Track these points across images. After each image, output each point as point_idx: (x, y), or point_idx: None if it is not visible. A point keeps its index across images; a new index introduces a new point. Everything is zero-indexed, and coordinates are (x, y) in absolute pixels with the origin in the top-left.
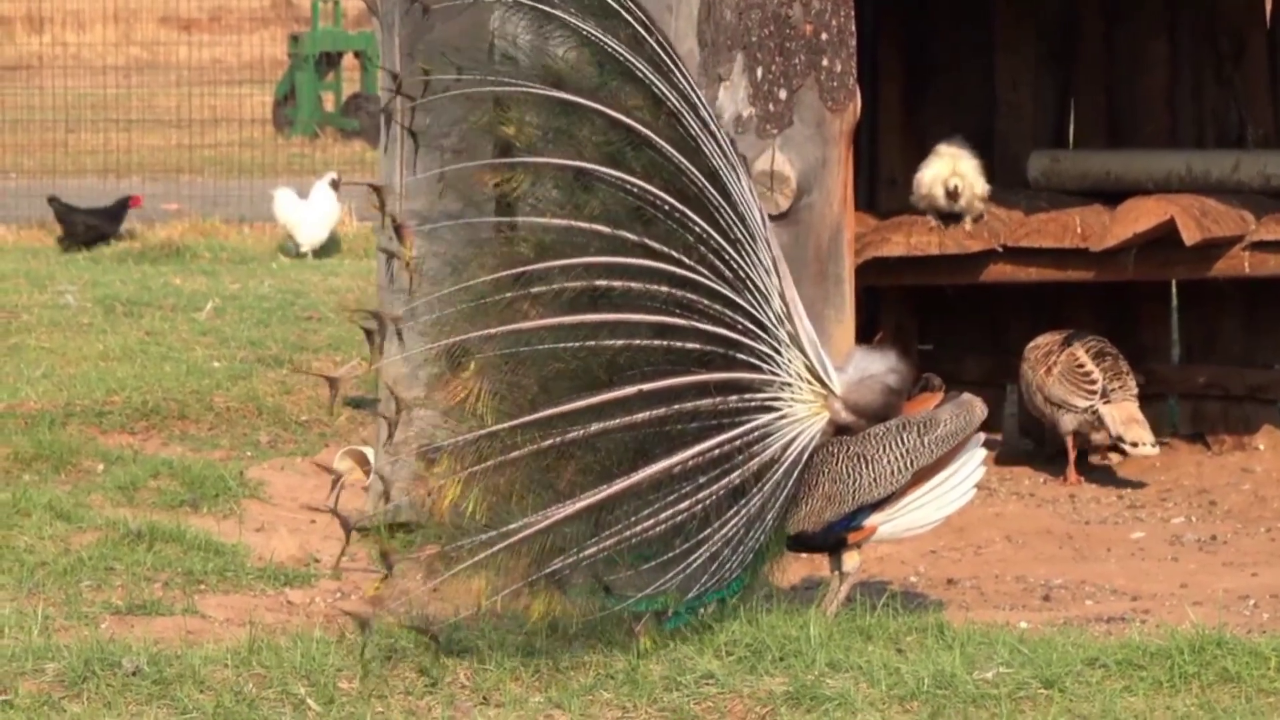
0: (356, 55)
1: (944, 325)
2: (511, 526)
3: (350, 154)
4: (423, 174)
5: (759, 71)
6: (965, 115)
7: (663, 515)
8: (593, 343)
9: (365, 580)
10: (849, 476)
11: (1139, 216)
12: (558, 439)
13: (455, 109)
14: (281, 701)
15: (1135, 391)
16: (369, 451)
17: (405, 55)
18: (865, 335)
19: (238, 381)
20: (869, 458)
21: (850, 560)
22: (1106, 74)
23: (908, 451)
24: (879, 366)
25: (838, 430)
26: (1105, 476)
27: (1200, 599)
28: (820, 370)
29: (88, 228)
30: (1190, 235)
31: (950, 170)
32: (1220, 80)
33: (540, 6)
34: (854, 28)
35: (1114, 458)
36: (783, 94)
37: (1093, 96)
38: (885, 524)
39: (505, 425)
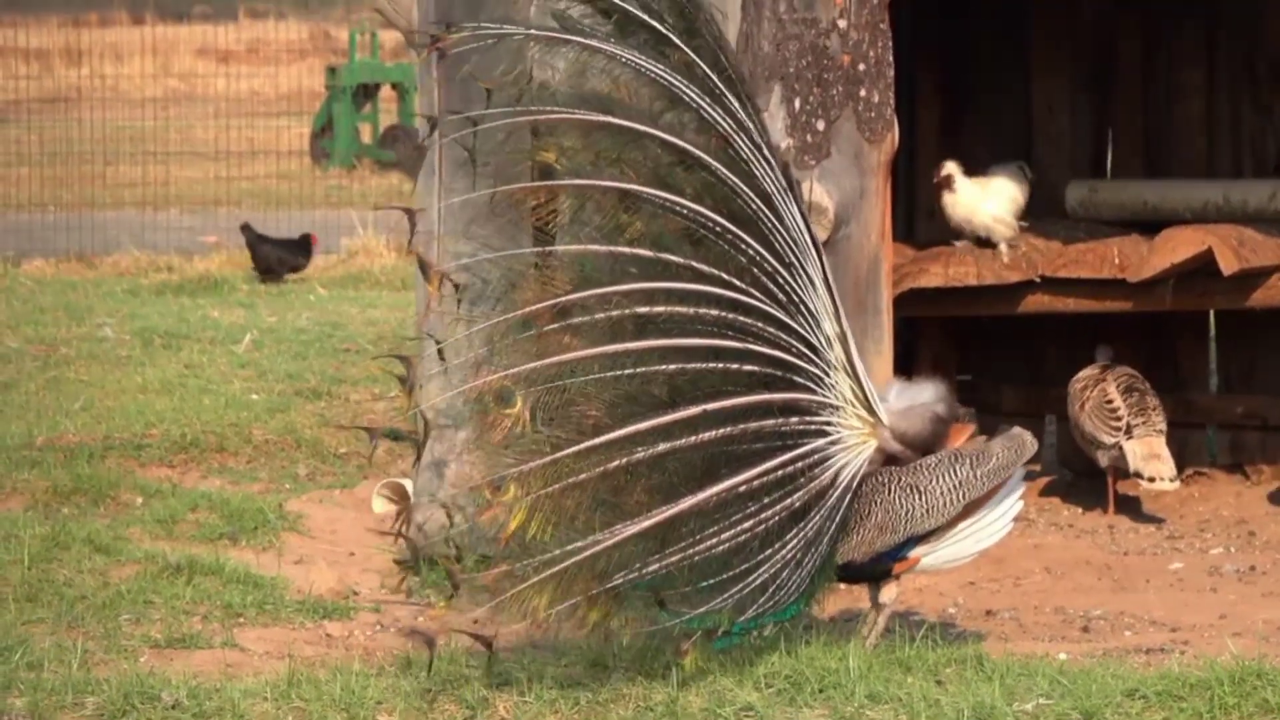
0: (394, 87)
1: (982, 356)
2: (577, 544)
3: (387, 186)
4: (460, 198)
5: (796, 103)
6: (1003, 145)
7: (726, 534)
8: (643, 369)
9: (404, 612)
10: (901, 507)
11: (1177, 246)
12: (625, 460)
13: (495, 137)
14: None
15: (1161, 427)
16: (407, 483)
17: (443, 86)
18: (903, 366)
19: (276, 414)
20: (922, 489)
21: (889, 591)
22: (1144, 102)
23: (961, 484)
24: (927, 396)
25: (886, 460)
26: (1144, 507)
27: (1240, 630)
28: (868, 397)
29: (279, 260)
30: (1228, 265)
31: (971, 198)
32: (1258, 108)
33: (582, 40)
34: (891, 58)
35: (1145, 487)
36: (820, 125)
37: (1130, 125)
38: (928, 555)
39: (570, 451)
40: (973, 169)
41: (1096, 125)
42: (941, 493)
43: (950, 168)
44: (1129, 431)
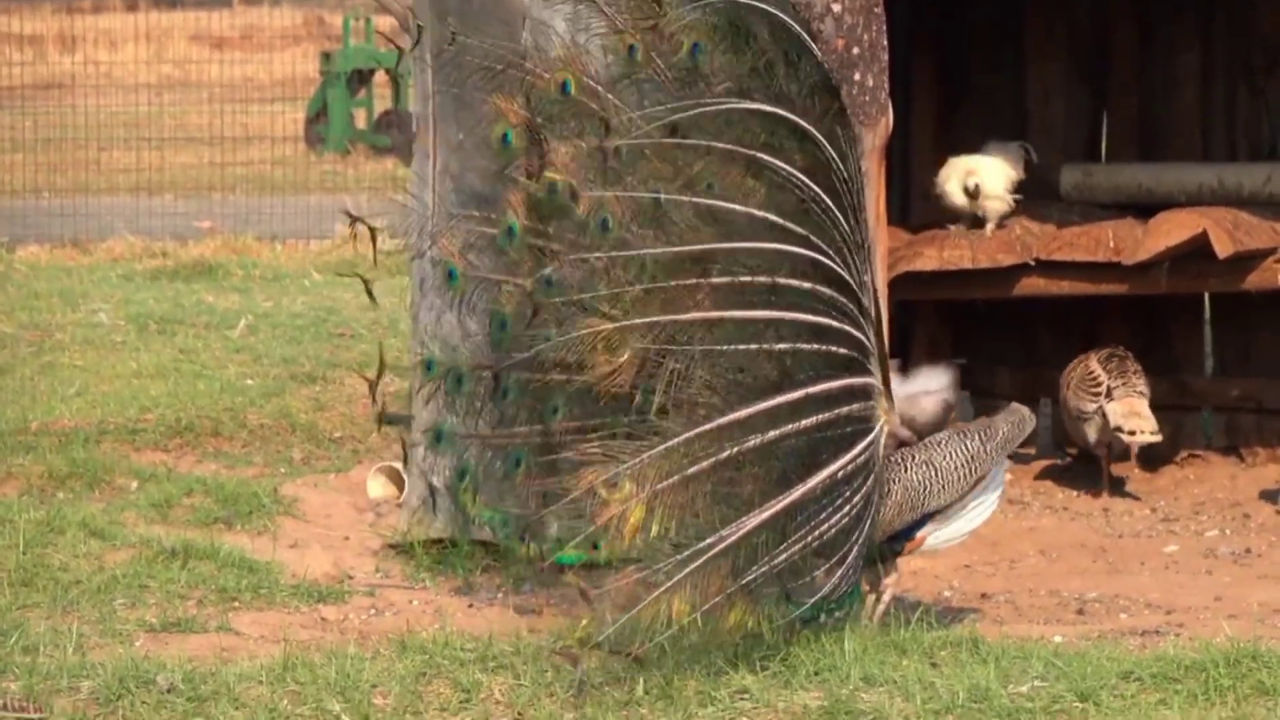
0: (388, 72)
1: (977, 339)
2: (707, 542)
3: (382, 171)
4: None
5: None
6: (998, 128)
7: (834, 518)
8: (760, 345)
9: (399, 595)
10: (920, 484)
11: (1171, 230)
12: (737, 448)
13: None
14: (316, 718)
15: (1141, 389)
16: (401, 467)
17: (435, 69)
18: (898, 349)
19: (271, 399)
20: (937, 465)
21: (892, 572)
22: (1138, 87)
23: (972, 459)
24: (935, 383)
25: (897, 444)
26: (1138, 490)
27: (1235, 612)
28: (888, 382)
29: None
30: (1223, 248)
31: (965, 170)
32: (1253, 92)
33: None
34: (885, 42)
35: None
36: None
37: (1125, 109)
38: (933, 535)
39: (683, 437)
40: (967, 153)
41: (1091, 110)
42: (954, 468)
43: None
44: (1109, 394)
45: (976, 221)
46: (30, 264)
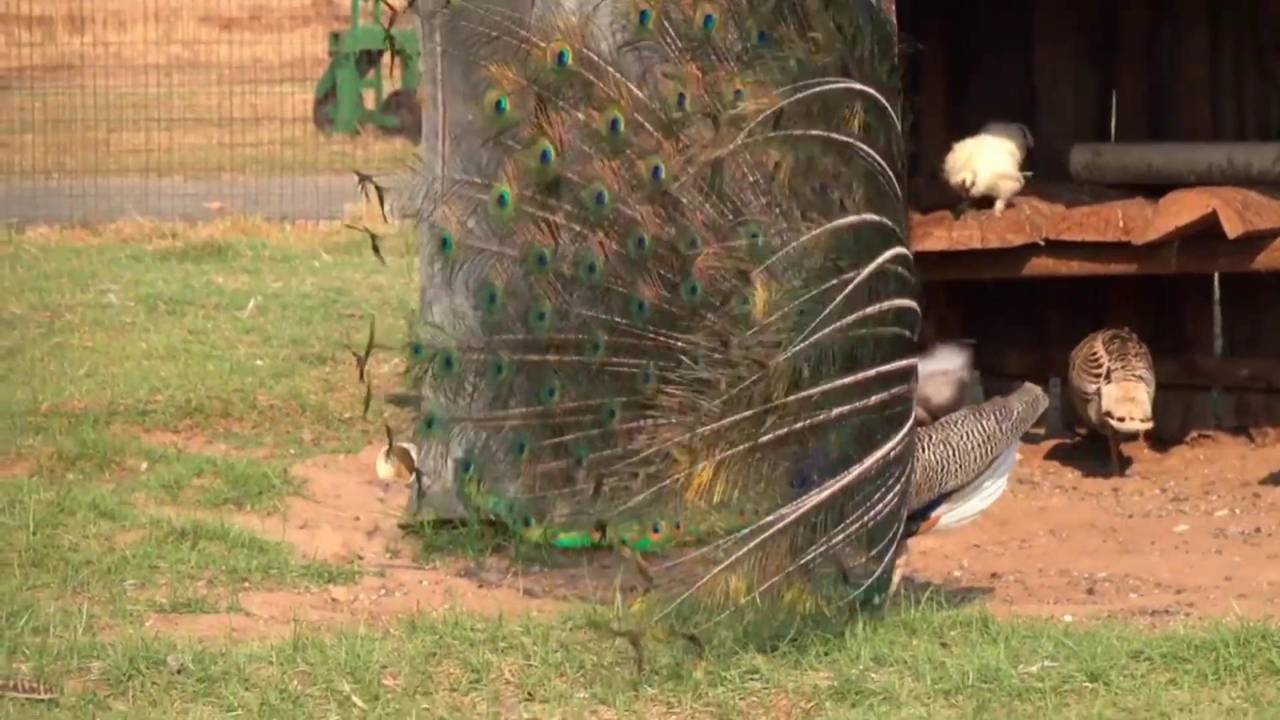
0: (396, 53)
1: (986, 319)
2: (768, 519)
3: (391, 151)
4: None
5: None
6: (1007, 108)
7: (886, 499)
8: (850, 318)
9: (409, 576)
10: (938, 464)
11: (1181, 209)
12: (808, 421)
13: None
14: (326, 698)
15: (1140, 373)
16: (412, 449)
17: (444, 47)
18: None
19: (281, 379)
20: (955, 445)
21: (903, 552)
22: (1148, 66)
23: (988, 438)
24: (951, 364)
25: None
26: (1148, 470)
27: (1245, 592)
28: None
29: None
30: (1233, 228)
31: (968, 155)
32: (1262, 72)
33: None
34: (894, 20)
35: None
36: None
37: (1134, 89)
38: (946, 514)
39: (757, 409)
40: (976, 133)
41: (1100, 90)
42: (971, 448)
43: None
44: (1108, 376)
45: (985, 201)
46: (40, 245)
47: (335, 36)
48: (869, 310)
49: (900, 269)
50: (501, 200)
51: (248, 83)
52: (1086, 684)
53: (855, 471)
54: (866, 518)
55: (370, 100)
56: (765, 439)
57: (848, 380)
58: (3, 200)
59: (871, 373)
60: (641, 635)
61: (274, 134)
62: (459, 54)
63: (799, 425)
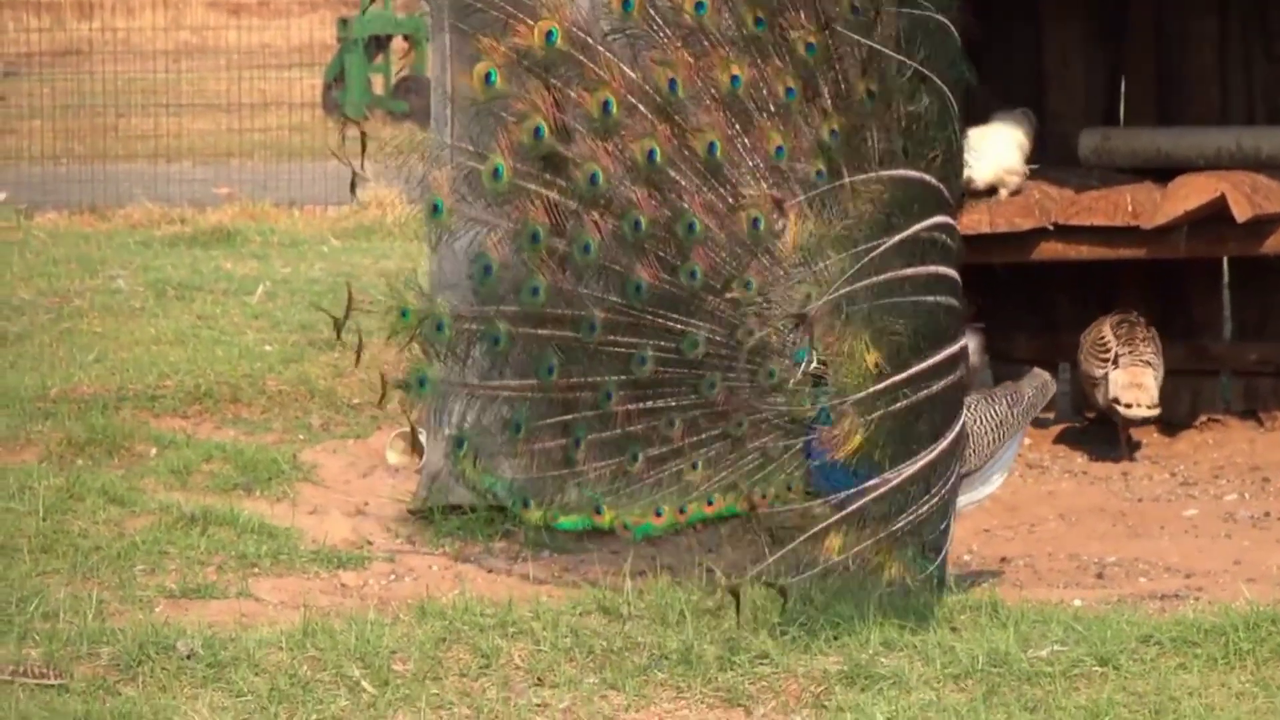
0: (406, 38)
1: (995, 303)
2: (870, 483)
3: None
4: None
5: None
6: (1016, 93)
7: (955, 477)
8: (940, 298)
9: (419, 561)
10: None
11: (1190, 194)
12: (924, 392)
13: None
14: (336, 684)
15: (1148, 359)
16: (421, 432)
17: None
18: None
19: (289, 365)
20: (969, 429)
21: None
22: (1156, 50)
23: (1001, 423)
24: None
25: None
26: (1157, 454)
27: (1254, 576)
28: None
29: None
30: (1241, 212)
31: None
32: (1270, 56)
33: None
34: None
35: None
36: None
37: (1143, 73)
38: (960, 497)
39: (900, 377)
40: (984, 118)
41: (1109, 74)
42: (984, 433)
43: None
44: (1115, 361)
45: (990, 192)
46: (49, 230)
47: (344, 22)
48: (922, 270)
49: (947, 238)
50: (497, 173)
51: (256, 68)
52: (1096, 668)
53: (942, 445)
54: (944, 491)
55: (379, 85)
56: (895, 407)
57: (944, 354)
58: (12, 186)
59: (957, 348)
60: (742, 587)
61: (282, 119)
62: (467, 36)
63: (921, 395)
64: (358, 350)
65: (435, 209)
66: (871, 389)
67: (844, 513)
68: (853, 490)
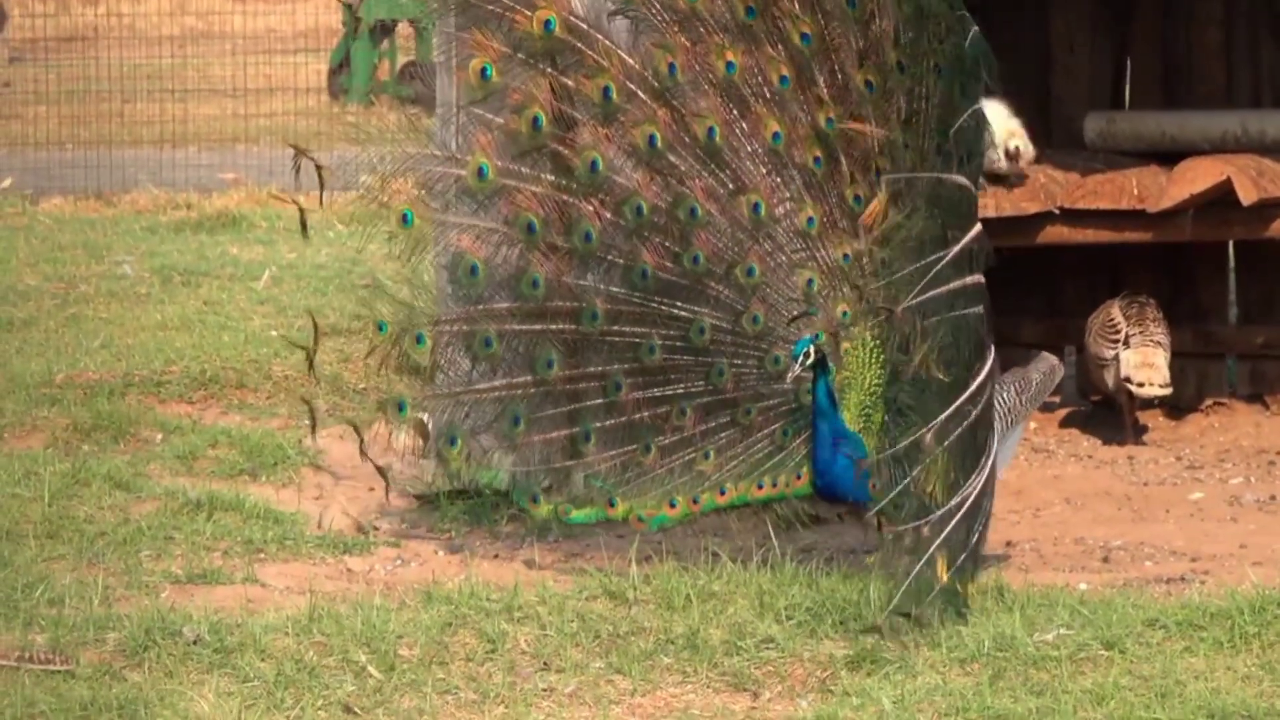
0: (411, 23)
1: (1000, 288)
2: (954, 503)
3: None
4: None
5: None
6: (1021, 76)
7: (992, 480)
8: (979, 308)
9: (425, 546)
10: None
11: (1195, 177)
12: (980, 405)
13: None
14: (342, 669)
15: (1159, 339)
16: (427, 419)
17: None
18: None
19: (295, 350)
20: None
21: None
22: (1162, 34)
23: (1008, 411)
24: None
25: None
26: (1163, 438)
27: (1260, 559)
28: None
29: None
30: (1247, 195)
31: (1007, 132)
32: (1277, 39)
33: None
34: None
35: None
36: None
37: (1148, 56)
38: None
39: (964, 396)
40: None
41: (1115, 57)
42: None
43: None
44: (1126, 342)
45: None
46: (54, 216)
47: (348, 7)
48: (968, 281)
49: (980, 247)
50: (481, 172)
51: (262, 53)
52: (1102, 652)
53: (994, 452)
54: (988, 503)
55: (384, 71)
56: (960, 429)
57: (989, 365)
58: (18, 172)
59: (992, 355)
60: (883, 625)
61: (288, 105)
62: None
63: (974, 413)
64: (309, 359)
65: (405, 219)
66: (944, 414)
67: (945, 533)
68: (941, 513)
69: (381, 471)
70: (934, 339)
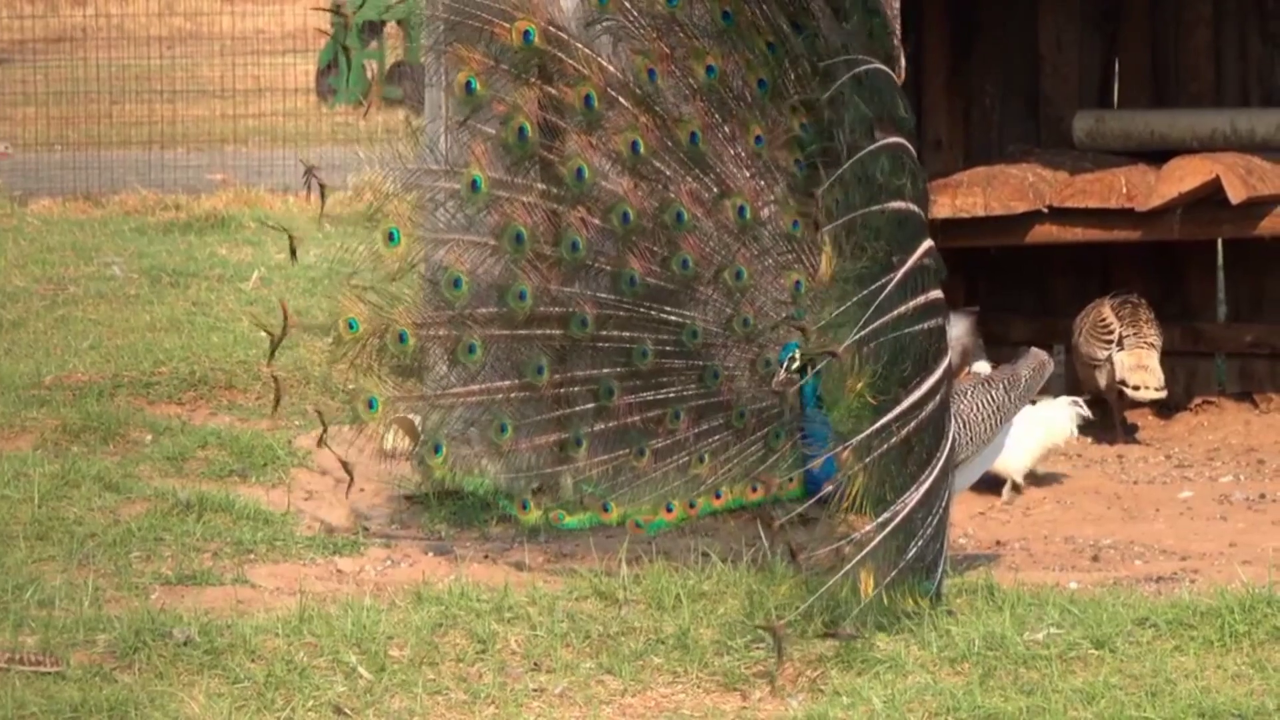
0: (399, 24)
1: (990, 287)
2: (886, 515)
3: (394, 122)
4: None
5: None
6: (1010, 76)
7: (946, 490)
8: (929, 324)
9: (415, 547)
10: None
11: (1184, 176)
12: (914, 422)
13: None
14: (333, 670)
15: (1152, 340)
16: (416, 419)
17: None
18: None
19: (285, 351)
20: (965, 418)
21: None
22: (1151, 32)
23: (998, 409)
24: (956, 330)
25: None
26: (1153, 436)
27: (1249, 557)
28: None
29: None
30: (1236, 194)
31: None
32: (1265, 38)
33: None
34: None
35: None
36: None
37: (1137, 55)
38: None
39: (892, 415)
40: (980, 101)
41: (1104, 57)
42: (981, 420)
43: None
44: (1120, 343)
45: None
46: (43, 217)
47: (336, 8)
48: (916, 301)
49: (932, 261)
50: (475, 185)
51: (250, 54)
52: (1092, 651)
53: (937, 465)
54: (941, 508)
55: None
56: (891, 442)
57: (931, 380)
58: (6, 173)
59: (940, 369)
60: (782, 630)
61: (276, 105)
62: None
63: (910, 426)
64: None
65: (391, 237)
66: (866, 431)
67: (868, 549)
68: (865, 530)
69: (345, 465)
70: (872, 365)
